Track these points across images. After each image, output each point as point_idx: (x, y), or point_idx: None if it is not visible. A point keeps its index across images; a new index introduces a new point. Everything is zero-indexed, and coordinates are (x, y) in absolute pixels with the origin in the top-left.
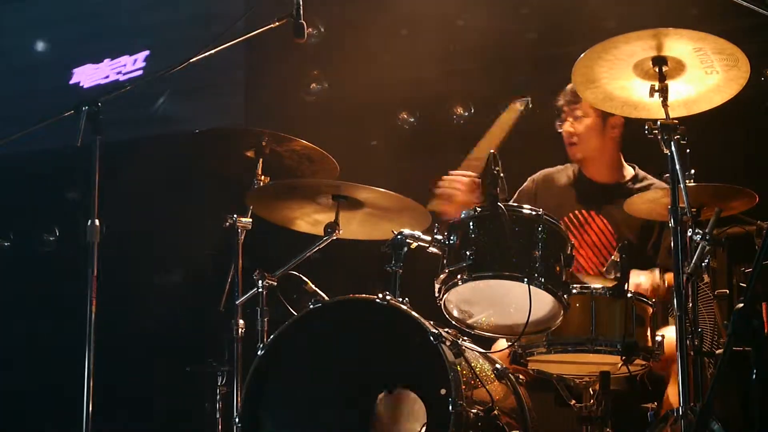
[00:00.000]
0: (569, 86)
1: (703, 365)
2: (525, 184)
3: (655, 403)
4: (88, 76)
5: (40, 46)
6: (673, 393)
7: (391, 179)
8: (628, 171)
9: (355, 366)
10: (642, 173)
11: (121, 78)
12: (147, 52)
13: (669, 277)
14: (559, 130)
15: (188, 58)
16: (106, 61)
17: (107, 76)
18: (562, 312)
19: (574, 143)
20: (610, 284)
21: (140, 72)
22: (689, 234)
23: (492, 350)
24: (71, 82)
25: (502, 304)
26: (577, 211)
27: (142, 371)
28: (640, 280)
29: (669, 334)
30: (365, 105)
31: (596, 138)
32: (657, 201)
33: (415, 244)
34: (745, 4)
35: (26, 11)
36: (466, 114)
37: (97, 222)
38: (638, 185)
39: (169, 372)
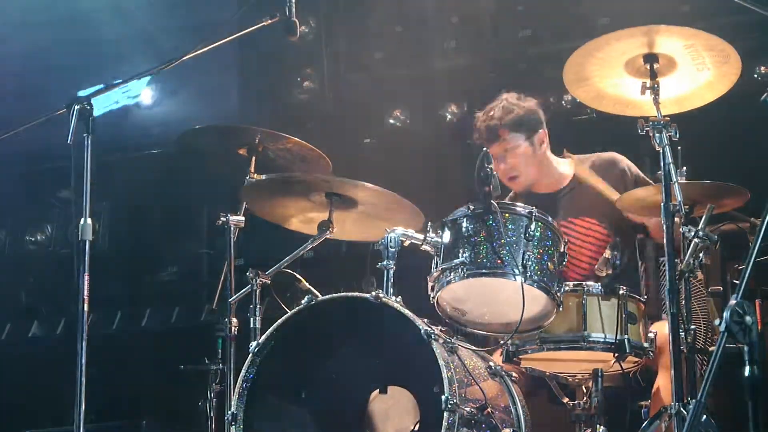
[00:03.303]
0: (480, 123)
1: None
2: None
3: (649, 401)
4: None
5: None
6: (662, 386)
7: (385, 177)
8: (567, 166)
9: (348, 364)
10: (582, 156)
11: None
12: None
13: None
14: (495, 172)
15: (181, 56)
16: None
17: (117, 101)
18: (555, 309)
19: (515, 177)
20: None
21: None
22: (682, 231)
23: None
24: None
25: (496, 302)
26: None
27: (135, 370)
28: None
29: (660, 329)
30: (358, 103)
31: (532, 161)
32: (648, 198)
33: (408, 242)
34: (737, 0)
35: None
36: (459, 112)
37: (89, 220)
38: (586, 166)
39: (163, 370)
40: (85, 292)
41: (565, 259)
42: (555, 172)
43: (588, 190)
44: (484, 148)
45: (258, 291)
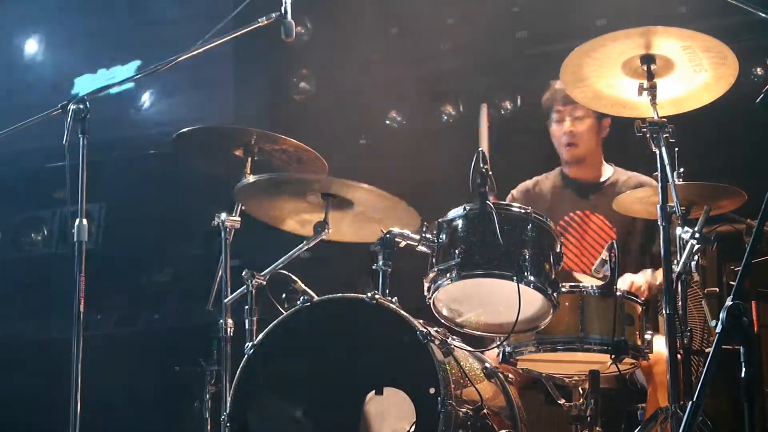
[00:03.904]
0: (559, 85)
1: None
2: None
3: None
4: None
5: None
6: (660, 395)
7: (381, 178)
8: (608, 169)
9: (344, 365)
10: (620, 169)
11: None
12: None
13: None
14: (557, 130)
15: (176, 57)
16: (101, 71)
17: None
18: (551, 310)
19: (575, 144)
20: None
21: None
22: (679, 232)
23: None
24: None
25: (492, 303)
26: (572, 213)
27: (131, 371)
28: (634, 278)
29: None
30: (354, 103)
31: (593, 139)
32: (646, 200)
33: (403, 243)
34: (734, 2)
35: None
36: (456, 113)
37: (84, 221)
38: (623, 178)
39: (158, 372)
40: (81, 293)
41: (562, 260)
42: (598, 165)
43: (614, 192)
44: (480, 149)
45: (253, 292)
